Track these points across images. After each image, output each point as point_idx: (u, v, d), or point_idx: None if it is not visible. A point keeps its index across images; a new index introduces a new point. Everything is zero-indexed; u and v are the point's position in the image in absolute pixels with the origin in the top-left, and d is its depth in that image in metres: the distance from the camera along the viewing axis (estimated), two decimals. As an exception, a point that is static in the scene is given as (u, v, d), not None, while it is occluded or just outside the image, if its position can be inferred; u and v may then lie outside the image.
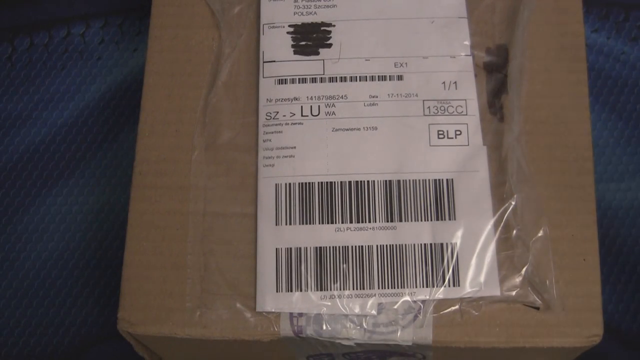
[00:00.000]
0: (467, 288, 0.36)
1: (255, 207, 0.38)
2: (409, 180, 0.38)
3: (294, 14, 0.42)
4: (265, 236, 0.38)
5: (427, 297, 0.36)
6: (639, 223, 0.53)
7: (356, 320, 0.36)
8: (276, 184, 0.38)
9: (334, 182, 0.38)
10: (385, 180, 0.38)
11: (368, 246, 0.37)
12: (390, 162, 0.38)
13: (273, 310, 0.37)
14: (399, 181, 0.38)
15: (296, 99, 0.40)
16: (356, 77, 0.40)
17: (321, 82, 0.40)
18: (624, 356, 0.50)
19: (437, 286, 0.36)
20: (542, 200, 0.38)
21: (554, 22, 0.41)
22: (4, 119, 0.56)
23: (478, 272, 0.37)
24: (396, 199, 0.38)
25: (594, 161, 0.40)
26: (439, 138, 0.39)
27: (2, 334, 0.51)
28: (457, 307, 0.36)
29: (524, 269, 0.37)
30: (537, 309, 0.36)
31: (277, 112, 0.40)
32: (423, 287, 0.37)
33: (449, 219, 0.37)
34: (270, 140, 0.39)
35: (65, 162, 0.55)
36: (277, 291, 0.37)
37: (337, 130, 0.39)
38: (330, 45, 0.41)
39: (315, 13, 0.41)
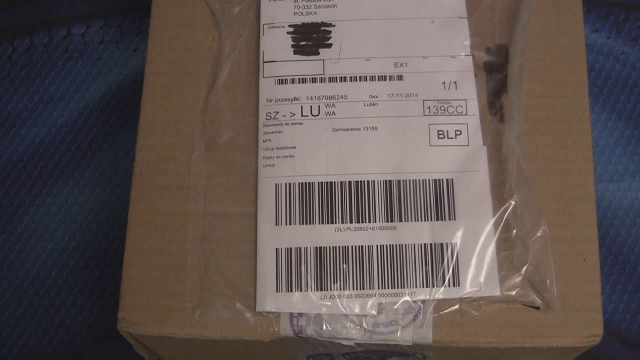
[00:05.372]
0: (467, 288, 0.36)
1: (255, 207, 0.38)
2: (409, 180, 0.38)
3: (294, 14, 0.42)
4: (265, 236, 0.38)
5: (427, 297, 0.36)
6: (639, 223, 0.53)
7: (356, 320, 0.36)
8: (276, 184, 0.38)
9: (334, 182, 0.38)
10: (385, 180, 0.38)
11: (368, 246, 0.37)
12: (390, 162, 0.38)
13: (273, 310, 0.37)
14: (399, 181, 0.38)
15: (296, 99, 0.40)
16: (356, 77, 0.40)
17: (321, 82, 0.40)
18: (624, 356, 0.50)
19: (437, 286, 0.36)
20: (542, 200, 0.38)
21: (554, 22, 0.41)
22: (4, 119, 0.56)
23: (478, 272, 0.37)
24: (396, 199, 0.38)
25: (594, 161, 0.40)
26: (439, 138, 0.39)
27: (2, 334, 0.51)
28: (457, 307, 0.36)
29: (524, 269, 0.37)
30: (537, 308, 0.36)
31: (277, 112, 0.40)
32: (423, 287, 0.37)
33: (449, 219, 0.37)
34: (270, 140, 0.39)
35: (65, 162, 0.55)
36: (277, 291, 0.37)
37: (337, 130, 0.39)
38: (330, 45, 0.41)
39: (315, 13, 0.41)
